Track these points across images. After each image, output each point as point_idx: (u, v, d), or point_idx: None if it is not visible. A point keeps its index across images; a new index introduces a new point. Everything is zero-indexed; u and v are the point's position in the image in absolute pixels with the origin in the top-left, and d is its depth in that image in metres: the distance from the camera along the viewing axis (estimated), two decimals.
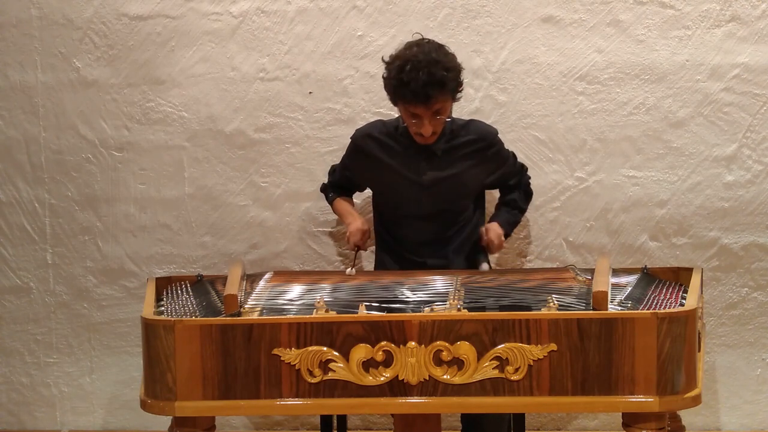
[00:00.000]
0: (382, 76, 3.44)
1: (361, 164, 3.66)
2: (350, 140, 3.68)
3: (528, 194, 3.81)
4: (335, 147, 4.06)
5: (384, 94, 3.99)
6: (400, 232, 3.63)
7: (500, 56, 4.02)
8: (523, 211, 3.79)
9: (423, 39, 3.42)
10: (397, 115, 3.68)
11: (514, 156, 3.73)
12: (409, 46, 3.40)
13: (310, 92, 4.07)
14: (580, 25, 4.00)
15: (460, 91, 3.46)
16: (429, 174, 3.54)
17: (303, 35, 4.05)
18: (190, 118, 4.11)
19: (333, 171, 3.85)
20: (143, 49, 4.08)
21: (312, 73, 4.06)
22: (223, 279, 3.20)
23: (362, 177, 3.73)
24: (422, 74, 3.29)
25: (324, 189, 3.88)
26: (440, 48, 3.39)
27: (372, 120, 3.80)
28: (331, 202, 3.83)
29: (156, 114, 4.11)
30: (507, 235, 3.66)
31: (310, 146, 4.10)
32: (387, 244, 3.72)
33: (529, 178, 3.80)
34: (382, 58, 3.45)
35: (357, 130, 3.68)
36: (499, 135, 3.64)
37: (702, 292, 3.33)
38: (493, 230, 3.56)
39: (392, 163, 3.56)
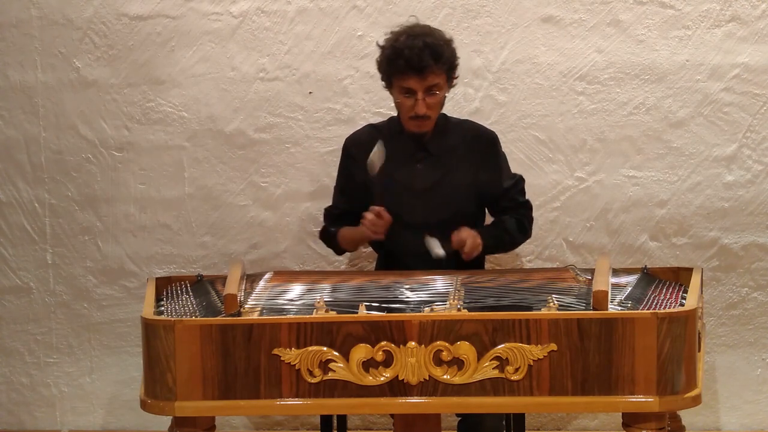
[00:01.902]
0: (376, 60, 3.42)
1: (354, 173, 3.55)
2: (343, 146, 3.61)
3: (522, 227, 3.54)
4: (335, 147, 4.06)
5: (384, 93, 3.98)
6: (394, 247, 3.49)
7: (500, 56, 4.02)
8: (509, 233, 3.51)
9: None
10: (390, 116, 3.65)
11: (521, 180, 3.59)
12: (404, 24, 3.40)
13: (310, 92, 4.07)
14: (580, 25, 4.00)
15: (455, 77, 3.40)
16: (423, 177, 3.46)
17: (303, 35, 4.05)
18: (190, 118, 4.11)
19: (329, 209, 3.68)
20: (143, 49, 4.08)
21: (312, 73, 4.06)
22: (223, 279, 3.20)
23: (358, 189, 3.54)
24: (418, 41, 3.28)
25: (323, 233, 3.67)
26: (436, 29, 3.40)
27: (372, 120, 3.79)
28: (333, 236, 3.59)
29: (156, 114, 4.11)
30: (485, 245, 3.40)
31: (310, 146, 4.10)
32: (382, 262, 3.65)
33: (531, 218, 3.61)
34: (377, 42, 3.43)
35: (347, 137, 3.62)
36: (498, 139, 3.56)
37: (702, 292, 3.32)
38: (466, 230, 3.35)
39: (385, 167, 3.43)
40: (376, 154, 3.32)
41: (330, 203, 3.70)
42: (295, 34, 4.05)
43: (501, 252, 3.77)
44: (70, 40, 4.09)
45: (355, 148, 3.56)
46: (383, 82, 3.44)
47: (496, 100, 4.03)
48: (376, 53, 3.98)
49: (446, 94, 3.43)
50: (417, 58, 3.26)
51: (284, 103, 4.08)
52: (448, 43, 3.36)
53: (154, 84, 4.09)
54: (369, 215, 3.34)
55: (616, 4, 3.99)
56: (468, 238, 3.34)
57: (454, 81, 3.43)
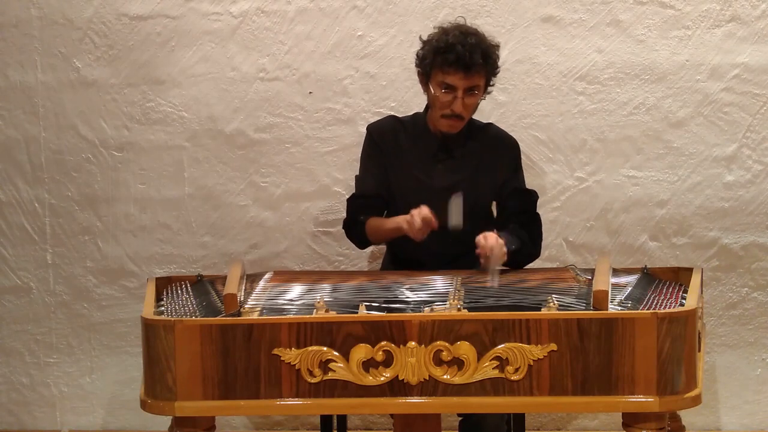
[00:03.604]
0: (416, 54, 3.37)
1: (378, 159, 3.50)
2: (367, 133, 3.54)
3: (534, 241, 3.44)
4: (335, 147, 4.06)
5: (384, 93, 4.02)
6: (405, 242, 3.40)
7: (500, 56, 4.01)
8: (525, 245, 3.36)
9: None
10: (410, 113, 3.63)
11: (536, 194, 3.55)
12: (453, 22, 3.36)
13: (310, 92, 4.07)
14: (580, 25, 4.00)
15: (492, 84, 3.39)
16: (443, 177, 3.43)
17: (303, 35, 4.05)
18: (190, 118, 4.11)
19: (354, 198, 3.57)
20: (143, 49, 4.08)
21: (312, 73, 4.06)
22: (223, 279, 3.20)
23: (382, 174, 3.49)
24: (470, 39, 3.26)
25: (348, 223, 3.55)
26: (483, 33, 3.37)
27: (371, 120, 3.78)
28: (362, 226, 3.48)
29: (156, 114, 4.11)
30: (508, 252, 3.23)
31: (310, 146, 4.10)
32: (390, 259, 3.64)
33: (541, 234, 3.50)
34: (420, 36, 3.39)
35: (371, 124, 3.56)
36: (519, 148, 3.55)
37: (702, 292, 3.32)
38: (492, 237, 3.17)
39: (405, 163, 3.46)
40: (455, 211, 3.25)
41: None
42: (295, 34, 4.05)
43: (516, 263, 3.45)
44: (70, 40, 4.09)
45: (379, 134, 3.52)
46: (420, 76, 3.39)
47: (496, 100, 4.03)
48: (377, 53, 4.01)
49: (481, 99, 3.39)
50: (468, 55, 3.24)
51: (284, 103, 4.08)
52: (496, 47, 3.35)
53: (154, 84, 4.09)
54: (417, 220, 3.23)
55: (616, 4, 3.99)
56: (495, 247, 3.15)
57: (490, 87, 3.40)
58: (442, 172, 3.45)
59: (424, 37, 3.38)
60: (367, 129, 3.56)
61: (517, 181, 3.54)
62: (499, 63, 3.38)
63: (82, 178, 4.16)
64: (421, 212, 3.23)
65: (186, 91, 4.09)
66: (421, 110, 3.53)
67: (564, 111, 4.05)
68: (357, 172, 3.59)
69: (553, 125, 4.05)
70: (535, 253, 3.49)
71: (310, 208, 4.12)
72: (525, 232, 3.42)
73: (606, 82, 4.02)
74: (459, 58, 3.24)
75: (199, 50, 4.07)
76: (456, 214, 3.23)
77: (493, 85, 3.40)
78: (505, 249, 3.20)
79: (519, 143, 3.59)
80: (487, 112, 4.01)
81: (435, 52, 3.29)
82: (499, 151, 3.51)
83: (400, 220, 3.32)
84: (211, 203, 4.15)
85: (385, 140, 3.51)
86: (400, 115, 3.68)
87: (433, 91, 3.35)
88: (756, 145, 4.03)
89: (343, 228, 3.62)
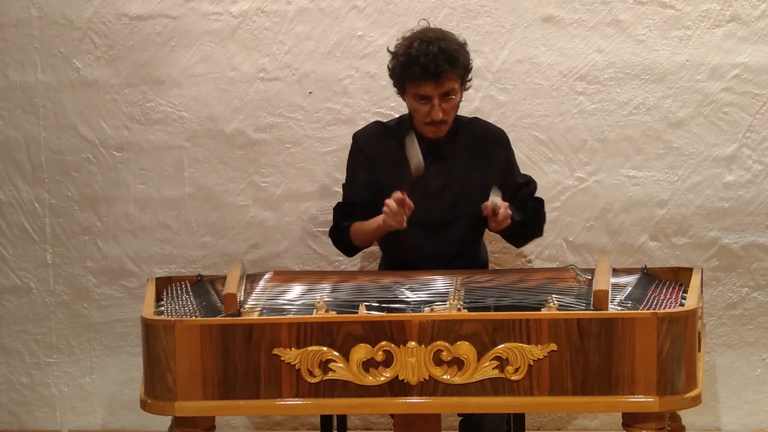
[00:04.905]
0: (387, 66, 3.38)
1: (365, 167, 3.52)
2: (352, 141, 3.56)
3: (539, 220, 3.54)
4: (335, 147, 4.06)
5: (384, 93, 4.01)
6: (402, 246, 3.46)
7: (500, 56, 4.02)
8: (529, 218, 3.47)
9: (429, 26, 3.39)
10: (397, 115, 3.65)
11: (534, 181, 3.58)
12: (416, 29, 3.35)
13: (310, 92, 4.07)
14: (580, 25, 4.00)
15: (469, 80, 3.38)
16: (434, 178, 3.41)
17: (303, 35, 4.05)
18: (190, 118, 4.11)
19: (340, 206, 3.61)
20: (143, 49, 4.08)
21: (312, 73, 4.06)
22: (223, 279, 3.19)
23: (369, 182, 3.50)
24: (432, 47, 3.23)
25: (333, 231, 3.60)
26: (448, 32, 3.36)
27: (371, 120, 3.78)
28: (346, 231, 3.51)
29: (156, 114, 4.11)
30: (513, 218, 3.31)
31: (310, 146, 4.10)
32: (386, 262, 3.64)
33: (545, 214, 3.58)
34: (388, 48, 3.40)
35: (356, 132, 3.58)
36: (508, 138, 3.55)
37: (702, 292, 3.32)
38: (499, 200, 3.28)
39: (395, 168, 3.40)
40: (413, 153, 3.22)
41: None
42: (295, 34, 4.05)
43: (520, 236, 3.58)
44: (70, 40, 4.09)
45: (365, 141, 3.53)
46: (395, 88, 3.40)
47: (496, 100, 4.03)
48: (377, 53, 4.01)
49: (461, 98, 3.39)
50: (433, 65, 3.22)
51: (284, 103, 4.08)
52: (462, 46, 3.33)
53: (154, 84, 4.09)
54: (392, 203, 3.23)
55: (616, 4, 3.99)
56: (502, 206, 3.25)
57: (468, 84, 3.40)
58: (433, 174, 3.42)
59: (392, 48, 3.37)
60: (353, 137, 3.58)
61: (515, 176, 3.55)
62: (470, 59, 3.36)
63: (82, 178, 4.16)
64: (394, 196, 3.23)
65: (186, 91, 4.09)
66: (407, 112, 3.51)
67: (564, 111, 4.05)
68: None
69: (553, 125, 4.05)
70: (539, 230, 3.59)
71: (310, 208, 4.12)
72: (530, 210, 3.51)
73: (606, 82, 4.02)
74: (425, 69, 3.23)
75: (199, 50, 4.07)
76: (414, 156, 3.21)
77: (470, 80, 3.40)
78: (509, 211, 3.27)
79: (510, 137, 3.59)
80: (487, 111, 4.01)
81: (402, 67, 3.30)
82: (488, 146, 3.50)
83: (379, 218, 3.31)
84: (211, 203, 4.15)
85: (372, 147, 3.51)
86: (397, 115, 3.68)
87: (410, 104, 3.37)
88: (756, 145, 4.03)
89: (329, 236, 3.65)
